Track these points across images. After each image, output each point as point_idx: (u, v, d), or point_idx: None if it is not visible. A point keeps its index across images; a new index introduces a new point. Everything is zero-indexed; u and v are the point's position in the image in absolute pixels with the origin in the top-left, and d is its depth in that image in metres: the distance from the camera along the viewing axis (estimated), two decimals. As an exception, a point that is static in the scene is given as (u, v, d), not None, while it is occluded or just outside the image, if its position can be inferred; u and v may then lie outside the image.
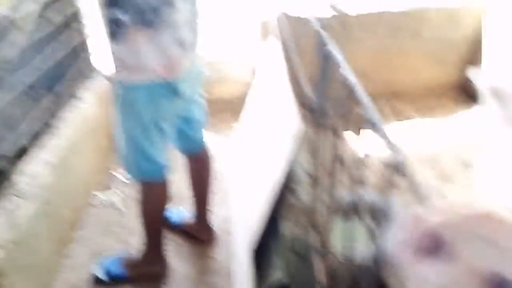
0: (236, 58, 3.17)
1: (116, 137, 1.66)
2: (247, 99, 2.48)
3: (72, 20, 2.47)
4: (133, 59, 1.41)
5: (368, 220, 1.44)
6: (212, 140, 2.82)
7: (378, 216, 1.40)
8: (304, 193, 1.51)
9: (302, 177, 1.61)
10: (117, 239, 2.04)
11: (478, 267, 0.35)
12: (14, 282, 1.51)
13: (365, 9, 2.73)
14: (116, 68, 1.48)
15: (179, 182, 2.43)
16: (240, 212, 1.92)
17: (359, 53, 2.77)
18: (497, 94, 0.63)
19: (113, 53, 1.44)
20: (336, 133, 0.75)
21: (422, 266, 0.37)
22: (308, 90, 1.30)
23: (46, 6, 2.02)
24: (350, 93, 0.66)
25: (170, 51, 1.43)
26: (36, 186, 1.73)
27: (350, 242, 0.53)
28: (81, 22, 2.55)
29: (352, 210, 0.82)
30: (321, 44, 0.93)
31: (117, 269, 1.83)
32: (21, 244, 1.54)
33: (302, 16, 2.69)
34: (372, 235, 1.12)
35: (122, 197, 2.32)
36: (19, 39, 1.84)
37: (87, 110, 2.40)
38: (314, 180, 1.04)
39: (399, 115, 2.74)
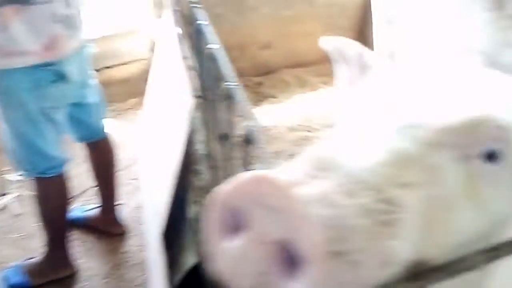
0: (131, 32, 2.99)
1: (5, 132, 1.48)
2: (149, 78, 2.36)
3: None
4: (5, 41, 1.27)
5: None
6: (116, 126, 2.68)
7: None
8: (205, 172, 1.49)
9: (201, 155, 1.59)
10: (16, 246, 1.87)
11: (264, 234, 0.33)
12: None
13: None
14: None
15: (82, 175, 2.28)
16: (150, 201, 1.85)
17: (257, 22, 2.77)
18: (341, 56, 0.63)
19: None
20: (216, 107, 0.72)
21: (226, 242, 0.35)
22: (193, 63, 1.27)
23: None
24: (216, 67, 0.63)
25: (49, 28, 1.30)
26: None
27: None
28: None
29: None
30: (194, 19, 0.88)
31: (18, 279, 1.68)
32: None
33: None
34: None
35: (18, 199, 2.12)
36: None
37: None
38: (207, 157, 1.01)
39: (303, 85, 2.80)
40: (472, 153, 0.45)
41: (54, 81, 1.39)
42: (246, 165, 0.49)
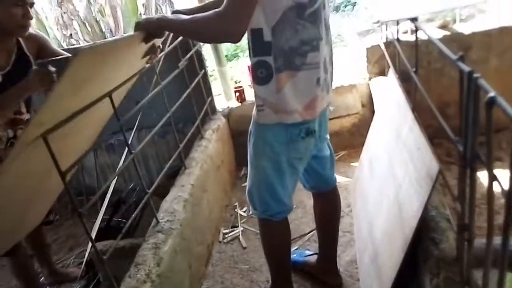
0: (347, 88, 3.15)
1: (249, 175, 1.71)
2: (369, 134, 2.41)
3: (199, 66, 2.68)
4: (278, 100, 1.47)
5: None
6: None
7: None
8: (447, 242, 1.40)
9: (443, 224, 1.49)
10: (243, 276, 2.08)
11: None
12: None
13: None
14: (259, 110, 1.53)
15: (301, 220, 2.43)
16: (368, 258, 1.84)
17: (483, 75, 2.56)
18: None
19: (258, 95, 1.50)
20: (491, 175, 0.67)
21: None
22: (444, 123, 1.21)
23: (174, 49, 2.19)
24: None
25: (312, 91, 1.48)
26: (175, 222, 1.85)
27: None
28: (204, 64, 2.75)
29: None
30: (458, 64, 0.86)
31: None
32: (165, 278, 1.63)
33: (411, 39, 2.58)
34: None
35: (245, 233, 2.39)
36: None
37: (210, 148, 2.55)
38: (462, 228, 0.94)
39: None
40: None
41: (304, 136, 1.55)
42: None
